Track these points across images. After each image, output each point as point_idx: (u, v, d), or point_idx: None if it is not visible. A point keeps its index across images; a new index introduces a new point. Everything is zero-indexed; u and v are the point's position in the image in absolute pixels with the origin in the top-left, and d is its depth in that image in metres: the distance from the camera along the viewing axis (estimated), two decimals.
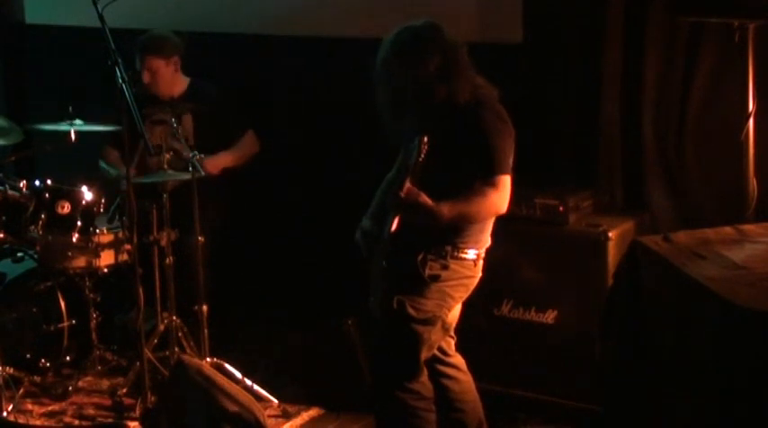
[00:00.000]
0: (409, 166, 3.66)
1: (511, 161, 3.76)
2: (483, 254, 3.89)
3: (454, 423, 4.02)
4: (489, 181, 3.70)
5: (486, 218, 3.81)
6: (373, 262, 3.92)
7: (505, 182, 3.73)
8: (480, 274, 3.91)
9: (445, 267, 3.77)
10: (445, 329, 3.92)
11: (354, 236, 4.04)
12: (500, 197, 3.72)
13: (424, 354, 3.85)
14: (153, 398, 4.56)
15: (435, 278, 3.77)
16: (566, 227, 4.48)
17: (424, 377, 3.88)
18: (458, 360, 4.07)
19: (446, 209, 3.66)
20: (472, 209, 3.71)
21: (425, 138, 3.62)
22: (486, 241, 3.89)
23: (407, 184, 3.64)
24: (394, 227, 3.69)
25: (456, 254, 3.78)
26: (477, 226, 3.80)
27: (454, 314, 3.95)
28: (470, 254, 3.81)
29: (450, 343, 4.07)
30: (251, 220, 5.73)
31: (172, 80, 5.35)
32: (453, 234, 3.77)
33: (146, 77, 5.26)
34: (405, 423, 3.85)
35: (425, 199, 3.64)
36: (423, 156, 3.62)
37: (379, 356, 3.94)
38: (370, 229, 3.98)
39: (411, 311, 3.76)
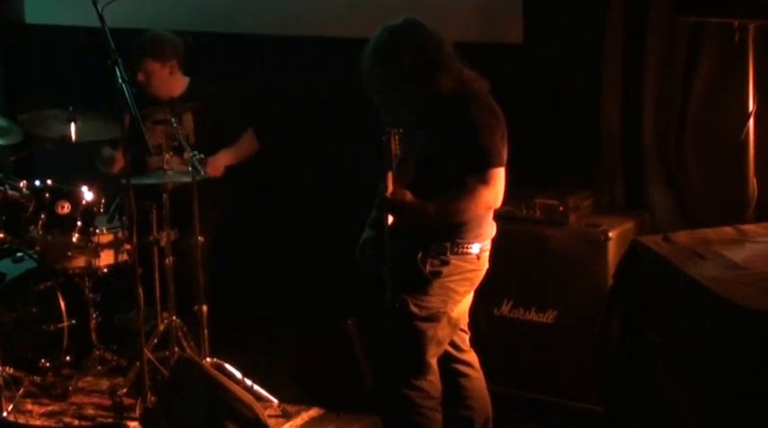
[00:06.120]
0: (387, 164, 3.69)
1: (503, 153, 3.75)
2: (488, 246, 3.88)
3: (461, 420, 4.00)
4: (480, 176, 3.69)
5: (478, 213, 3.78)
6: (383, 263, 3.91)
7: (497, 175, 3.71)
8: (486, 266, 3.90)
9: (446, 263, 3.77)
10: (453, 324, 3.89)
11: (356, 245, 4.00)
12: (491, 192, 3.71)
13: (432, 351, 3.84)
14: (153, 398, 4.56)
15: (437, 274, 3.77)
16: (566, 227, 4.48)
17: (433, 375, 3.87)
18: (471, 357, 4.06)
19: (432, 208, 3.68)
20: (460, 206, 3.70)
21: (394, 131, 3.66)
22: (490, 233, 3.88)
23: (390, 184, 3.68)
24: (389, 221, 3.74)
25: (456, 249, 3.77)
26: (475, 220, 3.78)
27: (462, 308, 3.93)
28: (472, 248, 3.80)
29: (464, 338, 4.06)
30: (251, 220, 5.72)
31: (167, 82, 5.33)
32: (451, 230, 3.76)
33: (140, 77, 5.25)
34: (410, 421, 3.85)
35: (411, 198, 3.68)
36: (396, 148, 3.67)
37: (386, 354, 3.93)
38: (372, 237, 3.94)
39: (414, 309, 3.76)
